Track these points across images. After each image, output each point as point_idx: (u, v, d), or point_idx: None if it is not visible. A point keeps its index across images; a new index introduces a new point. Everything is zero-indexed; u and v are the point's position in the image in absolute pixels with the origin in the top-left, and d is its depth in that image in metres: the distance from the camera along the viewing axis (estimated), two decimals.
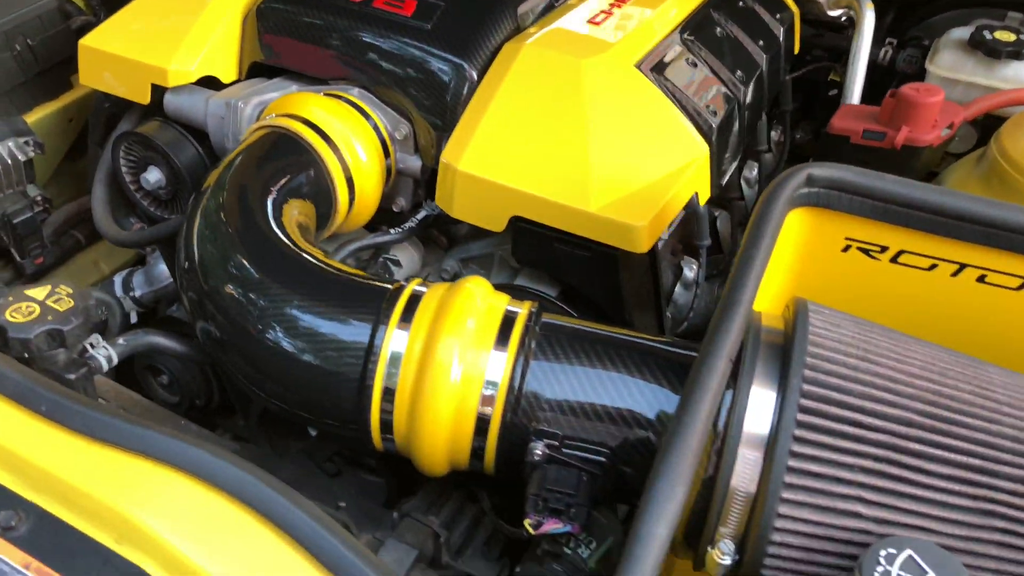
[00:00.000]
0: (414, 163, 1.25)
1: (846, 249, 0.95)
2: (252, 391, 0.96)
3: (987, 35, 1.46)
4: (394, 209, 1.30)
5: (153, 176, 1.31)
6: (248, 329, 0.91)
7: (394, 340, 0.87)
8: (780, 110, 1.71)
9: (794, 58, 1.66)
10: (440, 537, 0.85)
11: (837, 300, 0.97)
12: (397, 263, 1.23)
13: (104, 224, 1.36)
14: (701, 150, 1.16)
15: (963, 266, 0.91)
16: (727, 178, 1.34)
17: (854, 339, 0.78)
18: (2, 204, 1.51)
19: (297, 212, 1.04)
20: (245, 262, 0.94)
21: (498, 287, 1.17)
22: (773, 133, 1.75)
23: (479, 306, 0.89)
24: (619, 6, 1.28)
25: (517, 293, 1.16)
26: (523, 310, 0.91)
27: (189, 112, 1.31)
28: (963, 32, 1.54)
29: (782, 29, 1.50)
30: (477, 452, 0.85)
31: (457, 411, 0.83)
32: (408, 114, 1.24)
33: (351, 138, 1.18)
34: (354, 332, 0.87)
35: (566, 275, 1.15)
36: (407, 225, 1.23)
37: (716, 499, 0.75)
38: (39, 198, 1.57)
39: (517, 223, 1.10)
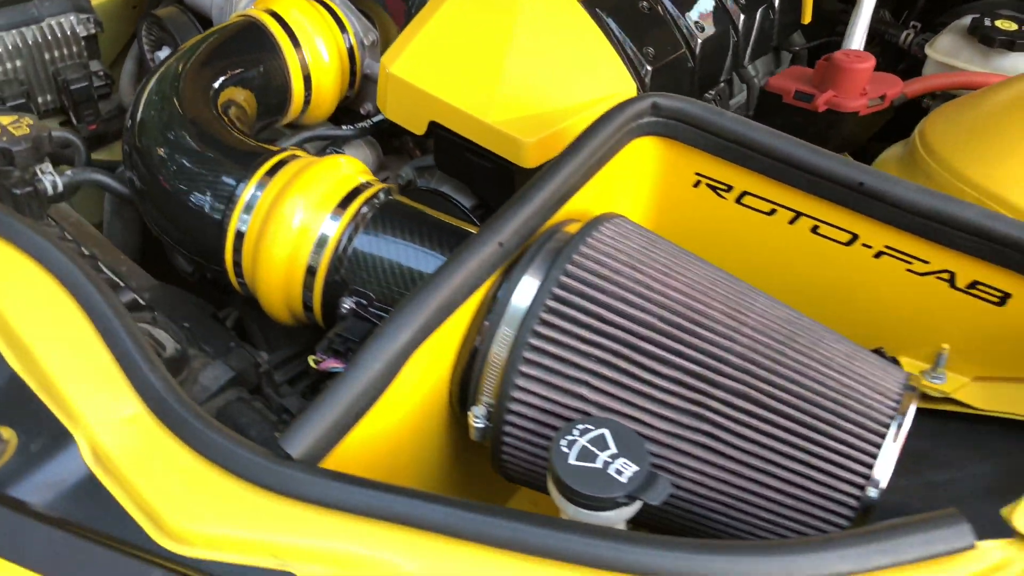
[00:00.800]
0: (377, 71, 1.36)
1: (696, 184, 0.99)
2: (162, 237, 1.11)
3: (987, 22, 1.41)
4: (361, 112, 1.42)
5: (163, 55, 1.48)
6: (158, 179, 1.06)
7: (252, 191, 0.99)
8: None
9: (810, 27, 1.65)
10: (260, 367, 0.98)
11: (692, 235, 1.03)
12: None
13: (125, 95, 1.55)
14: (628, 88, 1.21)
15: (799, 214, 0.94)
16: None
17: (633, 251, 0.84)
18: (63, 71, 1.73)
19: (238, 97, 1.17)
20: (172, 128, 1.09)
21: (422, 190, 1.28)
22: None
23: (335, 175, 1.00)
24: None
25: (435, 199, 1.26)
26: (374, 188, 1.01)
27: (197, 3, 1.47)
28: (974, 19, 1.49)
29: None
30: (307, 303, 0.97)
31: (291, 259, 0.95)
32: (383, 31, 1.35)
33: (316, 38, 1.30)
34: (225, 183, 1.00)
35: (474, 185, 1.24)
36: (361, 124, 1.35)
37: (476, 367, 0.83)
38: (101, 72, 1.78)
39: (435, 129, 1.19)
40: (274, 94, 1.27)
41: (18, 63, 1.66)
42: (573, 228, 0.90)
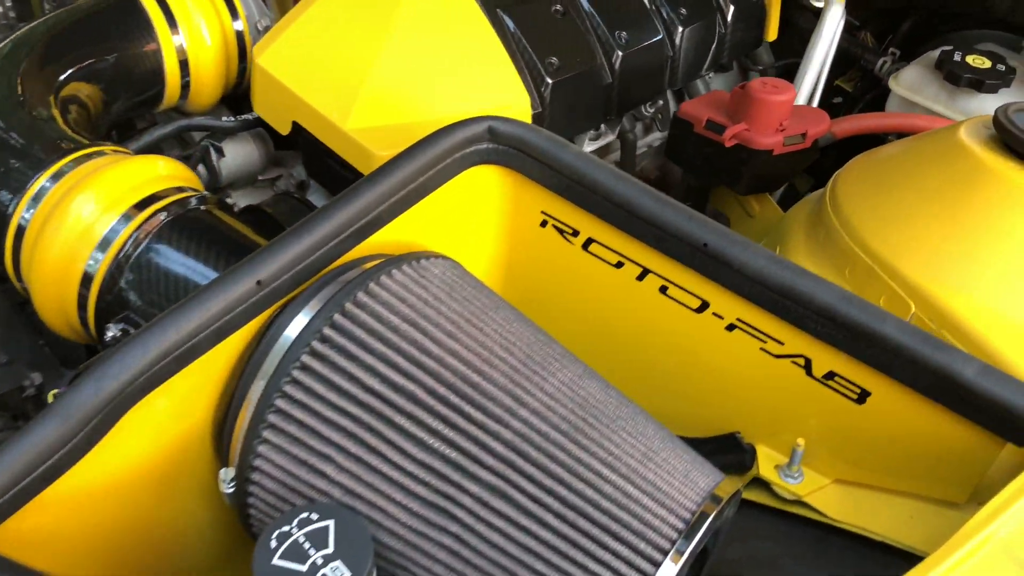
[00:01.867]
0: None
1: (544, 224, 0.86)
2: None
3: (956, 56, 1.24)
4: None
5: None
6: None
7: (45, 181, 0.89)
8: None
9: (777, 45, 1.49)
10: (26, 391, 0.87)
11: (541, 278, 0.90)
12: (220, 151, 1.23)
13: None
14: (520, 101, 1.08)
15: (647, 271, 0.80)
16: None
17: (424, 302, 0.71)
18: None
19: (81, 92, 1.07)
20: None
21: (288, 197, 1.17)
22: None
23: (142, 175, 0.89)
24: None
25: (299, 208, 1.15)
26: (184, 194, 0.90)
27: None
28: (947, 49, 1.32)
29: (732, 7, 1.34)
30: (84, 319, 0.86)
31: (66, 260, 0.85)
32: (277, 4, 1.24)
33: (198, 19, 1.19)
34: (19, 171, 0.90)
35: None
36: (245, 116, 1.24)
37: (228, 424, 0.72)
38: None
39: (299, 131, 1.08)
40: (141, 80, 1.16)
41: None
42: (377, 262, 0.78)
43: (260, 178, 1.31)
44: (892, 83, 1.30)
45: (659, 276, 0.79)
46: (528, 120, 1.10)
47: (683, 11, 1.28)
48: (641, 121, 1.40)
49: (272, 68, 1.07)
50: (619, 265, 0.82)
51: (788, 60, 1.52)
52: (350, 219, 0.75)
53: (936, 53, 1.31)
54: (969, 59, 1.24)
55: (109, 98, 1.12)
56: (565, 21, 1.15)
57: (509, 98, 1.08)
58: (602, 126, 1.27)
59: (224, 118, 1.24)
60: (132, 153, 0.96)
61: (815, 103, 1.38)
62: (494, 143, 0.82)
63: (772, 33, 1.47)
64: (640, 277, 0.81)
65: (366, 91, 1.01)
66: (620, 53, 1.18)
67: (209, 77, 1.22)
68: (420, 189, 0.81)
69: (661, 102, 1.38)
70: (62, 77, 1.05)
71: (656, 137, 1.40)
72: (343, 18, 1.08)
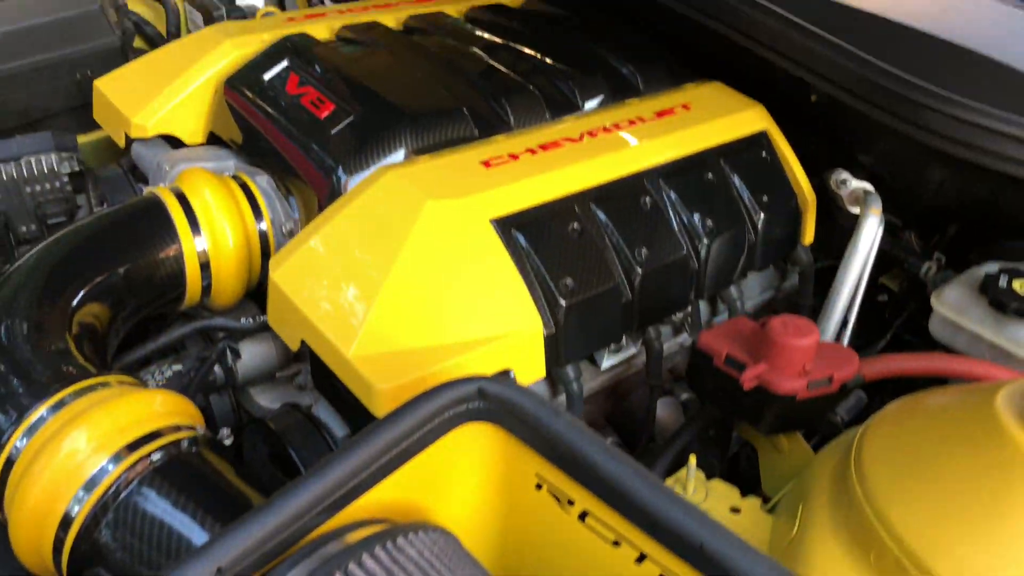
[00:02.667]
0: None
1: (539, 487, 0.81)
2: None
3: (1002, 281, 1.18)
4: None
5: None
6: None
7: (43, 412, 0.88)
8: (800, 302, 1.50)
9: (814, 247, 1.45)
10: None
11: (537, 544, 0.84)
12: (237, 353, 1.22)
13: None
14: (532, 325, 1.05)
15: (644, 556, 0.74)
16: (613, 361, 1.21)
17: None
18: (44, 205, 1.72)
19: (92, 310, 1.08)
20: (10, 316, 1.00)
21: (294, 411, 1.14)
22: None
23: (139, 412, 0.87)
24: (533, 153, 1.20)
25: (305, 426, 1.11)
26: (180, 435, 0.88)
27: (140, 163, 1.43)
28: (990, 268, 1.26)
29: (762, 214, 1.31)
30: (58, 562, 0.82)
31: (49, 497, 0.82)
32: (307, 215, 1.25)
33: (222, 223, 1.21)
34: (19, 397, 0.89)
35: (345, 416, 1.09)
36: (261, 318, 1.23)
37: None
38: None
39: (308, 348, 1.06)
40: (160, 286, 1.17)
41: None
42: (354, 537, 0.73)
43: (278, 375, 1.29)
44: (935, 301, 1.24)
45: (658, 563, 0.73)
46: (541, 343, 1.07)
47: (709, 223, 1.25)
48: (670, 324, 1.35)
49: (284, 285, 1.07)
50: (617, 544, 0.76)
51: (828, 263, 1.47)
52: (327, 491, 0.71)
53: (981, 271, 1.25)
54: (1016, 284, 1.17)
55: (127, 310, 1.13)
56: (582, 240, 1.13)
57: (520, 322, 1.05)
58: (623, 338, 1.22)
59: (243, 319, 1.24)
60: (138, 384, 0.95)
61: (852, 316, 1.32)
62: (484, 401, 0.78)
63: (808, 237, 1.43)
64: (639, 560, 0.74)
65: (373, 316, 0.99)
66: (640, 271, 1.15)
67: (231, 279, 1.23)
68: (406, 451, 0.76)
69: (690, 307, 1.33)
70: (81, 293, 1.06)
71: (687, 339, 1.35)
72: (358, 236, 1.08)
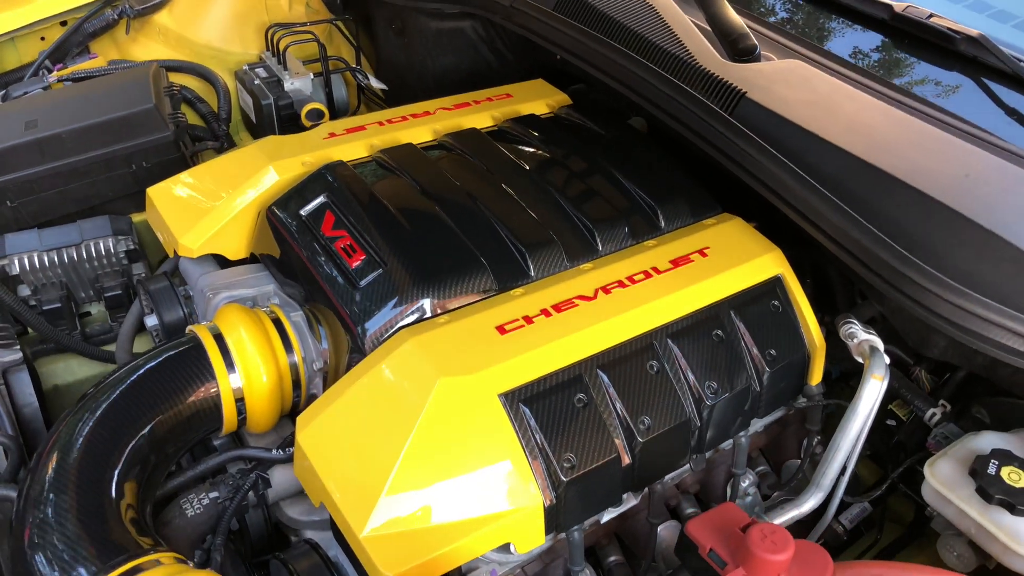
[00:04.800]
0: (321, 393, 1.35)
1: None
2: None
3: (991, 467, 1.22)
4: None
5: (150, 321, 1.54)
6: (23, 530, 1.08)
7: None
8: (809, 427, 1.56)
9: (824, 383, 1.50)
10: None
11: None
12: (267, 481, 1.33)
13: (120, 348, 1.61)
14: (533, 501, 1.13)
15: None
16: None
17: None
18: (101, 279, 1.85)
19: (143, 466, 1.18)
20: (57, 488, 1.10)
21: (309, 550, 1.24)
22: (804, 442, 1.60)
23: None
24: (547, 316, 1.26)
25: (323, 566, 1.22)
26: None
27: (188, 277, 1.53)
28: (988, 442, 1.29)
29: (768, 370, 1.36)
30: None
31: None
32: (336, 353, 1.34)
33: (255, 359, 1.30)
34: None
35: (356, 567, 1.19)
36: (290, 450, 1.34)
37: None
38: (143, 273, 1.90)
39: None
40: (198, 425, 1.27)
41: (59, 271, 1.79)
42: None
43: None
44: (928, 472, 1.28)
45: None
46: (541, 517, 1.15)
47: (714, 384, 1.31)
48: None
49: (308, 449, 1.16)
50: None
51: (836, 401, 1.51)
52: None
53: (976, 445, 1.29)
54: (1005, 473, 1.21)
55: (170, 453, 1.24)
56: (586, 412, 1.20)
57: (522, 499, 1.13)
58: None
59: (275, 451, 1.34)
60: (184, 562, 1.05)
61: (851, 464, 1.37)
62: None
63: (816, 378, 1.48)
64: None
65: (385, 499, 1.08)
66: (641, 441, 1.22)
67: (264, 411, 1.33)
68: None
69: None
70: (125, 455, 1.16)
71: (688, 468, 1.41)
72: (376, 408, 1.16)
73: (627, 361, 1.26)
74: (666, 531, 1.42)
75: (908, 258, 1.26)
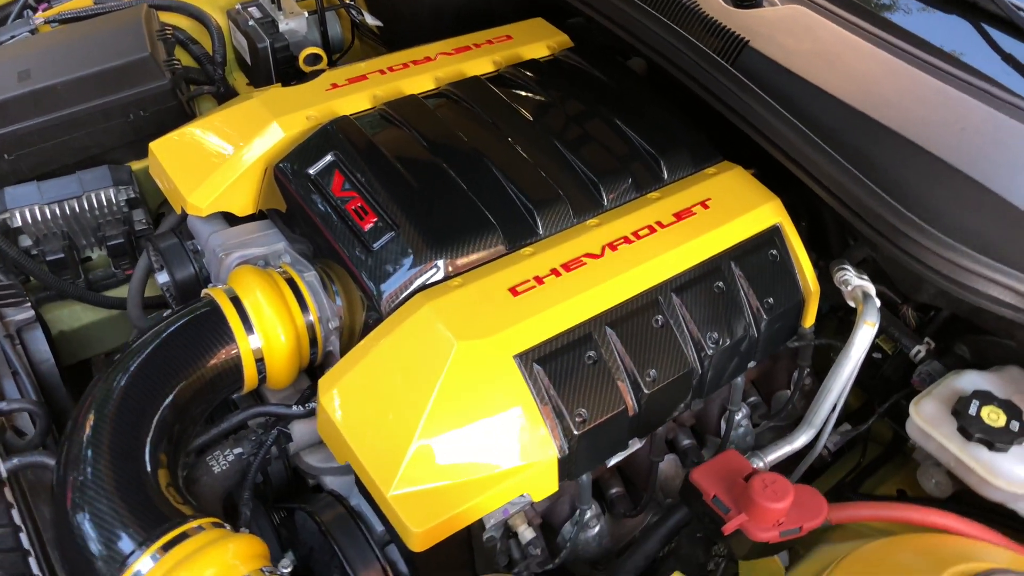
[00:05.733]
0: (338, 351, 1.40)
1: None
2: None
3: (972, 407, 1.30)
4: None
5: (161, 278, 1.57)
6: (65, 503, 1.13)
7: (147, 559, 1.06)
8: (800, 363, 1.64)
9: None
10: None
11: None
12: (288, 436, 1.40)
13: (131, 306, 1.64)
14: (548, 454, 1.21)
15: None
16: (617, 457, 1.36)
17: None
18: (103, 227, 1.86)
19: (166, 436, 1.23)
20: (95, 459, 1.15)
21: (333, 500, 1.31)
22: (795, 374, 1.68)
23: (222, 564, 1.06)
24: (556, 276, 1.31)
25: (350, 522, 1.29)
26: None
27: (198, 236, 1.55)
28: (970, 382, 1.37)
29: (766, 317, 1.43)
30: None
31: None
32: (350, 310, 1.38)
33: (273, 320, 1.34)
34: (121, 545, 1.07)
35: (388, 527, 1.26)
36: (309, 405, 1.40)
37: None
38: (143, 220, 1.91)
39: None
40: (221, 386, 1.32)
41: (61, 222, 1.80)
42: None
43: None
44: (913, 409, 1.37)
45: None
46: (555, 468, 1.23)
47: (715, 335, 1.37)
48: None
49: (332, 412, 1.22)
50: None
51: (829, 341, 1.59)
52: None
53: (958, 385, 1.37)
54: (985, 413, 1.29)
55: (196, 414, 1.29)
56: (596, 368, 1.27)
57: (538, 453, 1.20)
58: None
59: (294, 407, 1.40)
60: (222, 526, 1.12)
61: (840, 402, 1.45)
62: None
63: (810, 321, 1.54)
64: None
65: (410, 459, 1.15)
66: (647, 392, 1.29)
67: (283, 369, 1.38)
68: None
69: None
70: (155, 421, 1.21)
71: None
72: (396, 372, 1.21)
73: (634, 317, 1.32)
74: (665, 465, 1.52)
75: (903, 213, 1.30)
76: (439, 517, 1.13)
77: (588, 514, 1.37)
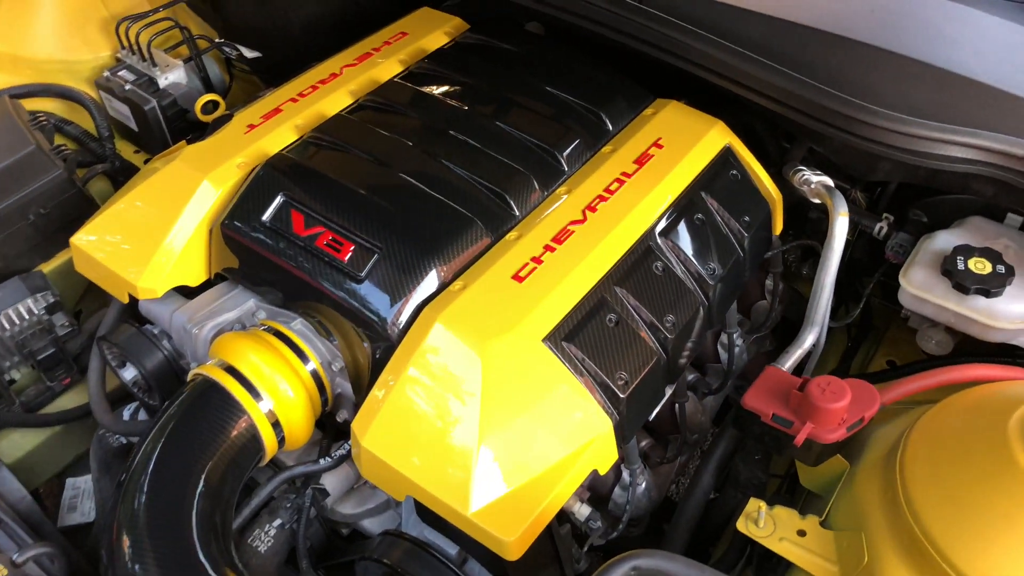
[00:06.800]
0: (349, 391, 1.34)
1: None
2: None
3: (959, 263, 1.38)
4: (338, 420, 1.40)
5: (128, 374, 1.45)
6: None
7: None
8: (770, 271, 1.68)
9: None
10: None
11: None
12: (324, 492, 1.33)
13: (100, 414, 1.51)
14: (603, 425, 1.20)
15: None
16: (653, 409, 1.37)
17: None
18: (27, 342, 1.70)
19: (207, 523, 1.15)
20: None
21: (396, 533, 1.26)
22: (768, 282, 1.73)
23: None
24: (551, 251, 1.29)
25: (416, 554, 1.25)
26: None
27: (158, 319, 1.44)
28: (944, 242, 1.45)
29: (747, 234, 1.46)
30: None
31: None
32: (348, 346, 1.32)
33: (277, 379, 1.27)
34: None
35: (463, 545, 1.23)
36: (338, 453, 1.33)
37: None
38: (66, 323, 1.76)
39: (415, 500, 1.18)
40: (244, 461, 1.24)
41: None
42: None
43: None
44: (903, 281, 1.43)
45: None
46: (612, 437, 1.22)
47: (712, 266, 1.39)
48: None
49: (377, 450, 1.16)
50: None
51: (803, 242, 1.65)
52: None
53: (935, 246, 1.45)
54: (971, 264, 1.37)
55: (230, 500, 1.21)
56: (620, 329, 1.26)
57: (594, 427, 1.19)
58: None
59: (323, 459, 1.33)
60: None
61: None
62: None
63: (778, 228, 1.59)
64: None
65: (478, 471, 1.12)
66: (671, 337, 1.30)
67: (301, 424, 1.30)
68: None
69: None
70: (194, 512, 1.13)
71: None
72: (432, 392, 1.17)
73: (636, 270, 1.32)
74: (688, 404, 1.55)
75: (852, 102, 1.36)
76: (526, 519, 1.11)
77: (637, 472, 1.37)
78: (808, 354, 1.50)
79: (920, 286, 1.43)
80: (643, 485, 1.47)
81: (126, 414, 1.65)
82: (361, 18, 1.99)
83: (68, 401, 1.78)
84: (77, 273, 1.74)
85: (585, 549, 1.39)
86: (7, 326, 1.66)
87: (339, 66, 1.64)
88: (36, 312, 1.68)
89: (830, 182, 1.52)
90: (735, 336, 1.61)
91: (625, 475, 1.43)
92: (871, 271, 1.67)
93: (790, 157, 1.61)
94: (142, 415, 1.62)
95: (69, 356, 1.77)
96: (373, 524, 1.42)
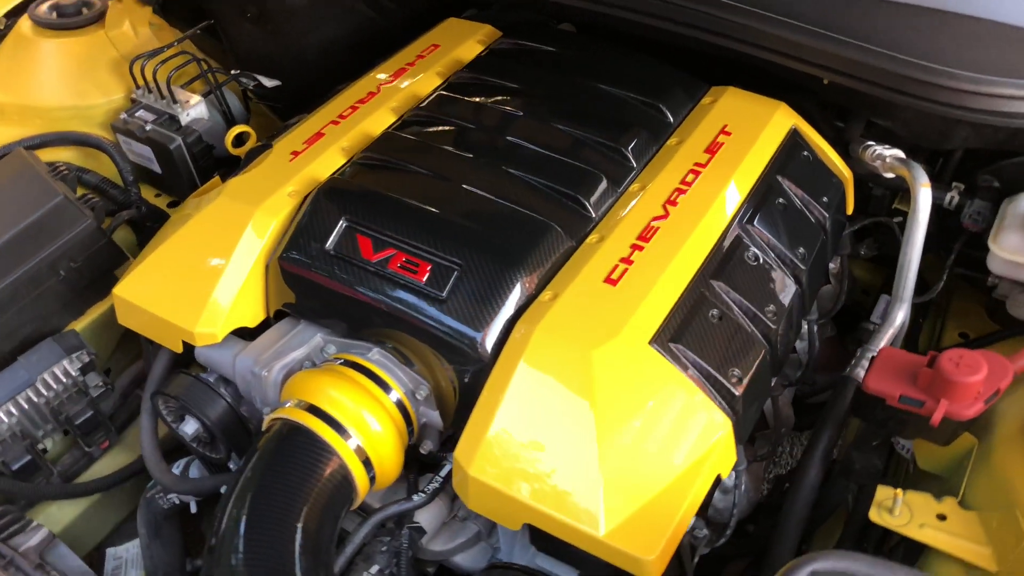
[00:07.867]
0: (436, 419, 1.25)
1: None
2: None
3: None
4: (422, 452, 1.31)
5: (190, 428, 1.35)
6: None
7: None
8: (839, 253, 1.62)
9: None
10: None
11: None
12: (421, 530, 1.24)
13: (159, 474, 1.40)
14: (723, 426, 1.12)
15: None
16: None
17: None
18: (62, 408, 1.59)
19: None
20: None
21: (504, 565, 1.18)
22: (832, 265, 1.66)
23: None
24: (640, 250, 1.22)
25: None
26: None
27: (219, 366, 1.34)
28: None
29: (828, 215, 1.40)
30: None
31: None
32: (430, 372, 1.24)
33: (364, 417, 1.18)
34: None
35: (586, 570, 1.14)
36: (431, 487, 1.24)
37: None
38: (100, 383, 1.65)
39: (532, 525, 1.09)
40: (339, 503, 1.15)
41: (15, 422, 1.53)
42: None
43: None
44: (993, 246, 1.38)
45: None
46: (732, 438, 1.14)
47: (801, 250, 1.33)
48: None
49: (488, 479, 1.08)
50: None
51: (865, 222, 1.59)
52: None
53: (1019, 209, 1.39)
54: None
55: (329, 548, 1.11)
56: (724, 323, 1.19)
57: (715, 430, 1.11)
58: None
59: (415, 496, 1.24)
60: None
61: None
62: None
63: (850, 207, 1.53)
64: None
65: (606, 490, 1.03)
66: (775, 327, 1.23)
67: (392, 459, 1.21)
68: None
69: None
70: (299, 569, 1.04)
71: None
72: (542, 411, 1.09)
73: (729, 261, 1.25)
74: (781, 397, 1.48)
75: (930, 67, 1.30)
76: (663, 534, 1.02)
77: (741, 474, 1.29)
78: (898, 333, 1.44)
79: (1013, 249, 1.37)
80: (743, 486, 1.39)
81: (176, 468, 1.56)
82: (378, 36, 1.92)
83: (104, 467, 1.67)
84: (110, 329, 1.66)
85: (695, 560, 1.31)
86: (44, 392, 1.55)
87: (375, 85, 1.57)
88: (72, 374, 1.57)
89: (902, 154, 1.46)
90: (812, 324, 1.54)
91: (728, 478, 1.35)
92: (942, 244, 1.61)
93: (852, 134, 1.55)
94: (193, 472, 1.53)
95: (106, 418, 1.67)
96: (464, 559, 1.33)
